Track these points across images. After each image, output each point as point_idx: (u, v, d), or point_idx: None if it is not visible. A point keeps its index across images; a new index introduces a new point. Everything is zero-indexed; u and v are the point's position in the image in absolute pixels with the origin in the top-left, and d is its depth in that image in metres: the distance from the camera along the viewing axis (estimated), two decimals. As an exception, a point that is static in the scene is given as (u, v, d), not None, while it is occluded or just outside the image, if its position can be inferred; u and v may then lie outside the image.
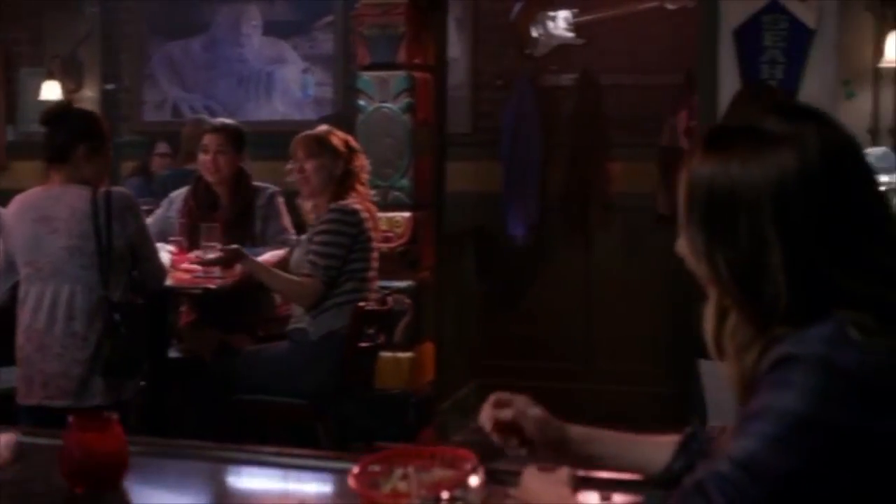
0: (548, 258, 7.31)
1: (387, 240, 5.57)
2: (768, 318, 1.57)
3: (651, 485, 1.99)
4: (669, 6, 6.87)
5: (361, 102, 5.89)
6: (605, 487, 2.00)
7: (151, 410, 4.72)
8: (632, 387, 6.79)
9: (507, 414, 2.05)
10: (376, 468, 1.94)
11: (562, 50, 7.25)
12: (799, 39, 5.25)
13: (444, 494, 1.84)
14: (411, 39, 5.85)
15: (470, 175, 7.07)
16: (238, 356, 4.85)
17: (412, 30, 5.85)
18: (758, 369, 1.57)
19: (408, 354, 5.83)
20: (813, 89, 5.22)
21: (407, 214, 5.85)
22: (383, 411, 4.83)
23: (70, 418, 2.08)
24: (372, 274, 4.82)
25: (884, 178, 4.52)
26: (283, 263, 4.91)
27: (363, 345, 4.73)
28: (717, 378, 4.93)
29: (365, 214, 4.76)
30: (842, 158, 1.59)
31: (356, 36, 6.03)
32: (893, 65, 4.88)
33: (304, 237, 4.88)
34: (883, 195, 1.62)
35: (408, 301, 5.83)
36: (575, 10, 7.17)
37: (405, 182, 5.86)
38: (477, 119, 7.40)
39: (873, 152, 4.85)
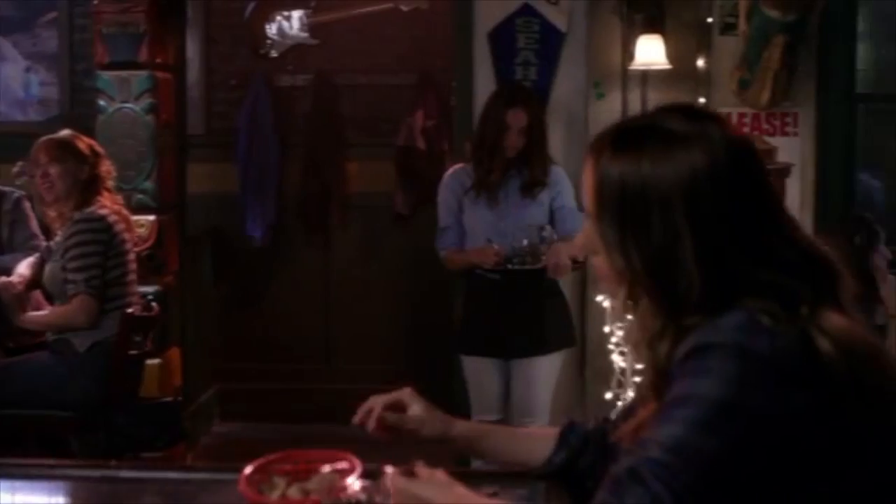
0: (286, 258, 7.28)
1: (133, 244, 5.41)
2: (680, 308, 1.64)
3: (532, 477, 2.04)
4: (403, 7, 6.94)
5: (101, 103, 5.67)
6: (486, 482, 2.03)
7: None
8: (373, 385, 6.69)
9: (393, 419, 2.08)
10: (255, 476, 1.91)
11: (297, 50, 7.22)
12: (551, 42, 5.45)
13: (345, 496, 1.83)
14: (153, 38, 5.68)
15: (205, 176, 6.90)
16: (-8, 370, 4.61)
17: (153, 29, 5.69)
18: (672, 358, 1.63)
19: (156, 361, 5.67)
20: (565, 90, 5.43)
21: (151, 217, 5.68)
22: (152, 419, 4.70)
23: None
24: (132, 278, 4.70)
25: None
26: (37, 271, 4.71)
27: (132, 352, 4.59)
28: (479, 373, 5.02)
29: (114, 218, 4.63)
30: (744, 155, 1.69)
31: (95, 34, 5.80)
32: (641, 68, 5.13)
33: (52, 243, 4.69)
34: (775, 189, 1.72)
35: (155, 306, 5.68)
36: (309, 11, 7.15)
37: (149, 185, 5.68)
38: (211, 120, 7.27)
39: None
